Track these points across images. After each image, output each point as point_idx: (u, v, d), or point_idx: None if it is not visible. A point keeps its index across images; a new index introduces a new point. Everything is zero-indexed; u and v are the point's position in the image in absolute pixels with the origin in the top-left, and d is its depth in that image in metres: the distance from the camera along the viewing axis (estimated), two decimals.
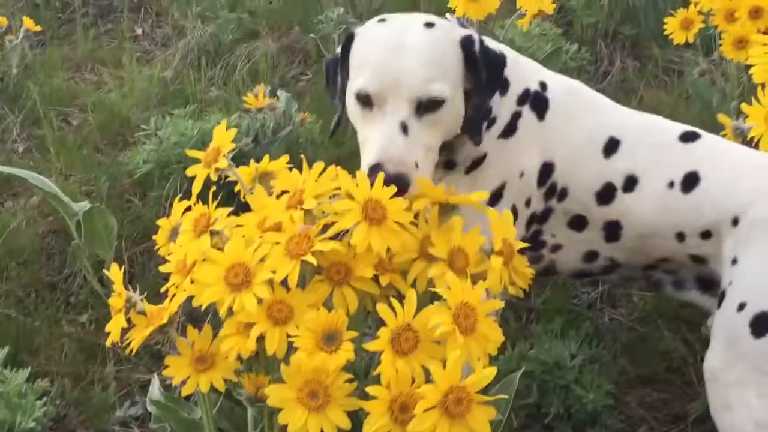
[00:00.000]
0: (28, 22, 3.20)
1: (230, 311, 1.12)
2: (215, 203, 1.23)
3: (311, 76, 3.28)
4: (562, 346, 1.72)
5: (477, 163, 1.50)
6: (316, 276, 1.15)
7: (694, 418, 1.73)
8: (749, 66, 2.34)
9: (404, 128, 1.31)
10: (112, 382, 1.89)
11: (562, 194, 1.54)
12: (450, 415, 1.00)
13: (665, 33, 2.45)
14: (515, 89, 1.52)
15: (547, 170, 1.53)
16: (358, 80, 1.37)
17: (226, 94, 3.10)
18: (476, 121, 1.41)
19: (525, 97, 1.53)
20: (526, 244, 1.28)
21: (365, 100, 1.35)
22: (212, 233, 1.20)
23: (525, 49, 2.76)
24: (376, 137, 1.31)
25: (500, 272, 1.18)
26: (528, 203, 1.53)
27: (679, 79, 3.08)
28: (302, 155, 1.29)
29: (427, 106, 1.33)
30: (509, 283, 1.22)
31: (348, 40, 1.43)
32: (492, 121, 1.49)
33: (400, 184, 1.22)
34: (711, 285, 1.53)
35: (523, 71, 1.56)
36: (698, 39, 2.40)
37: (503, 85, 1.50)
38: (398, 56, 1.34)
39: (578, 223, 1.55)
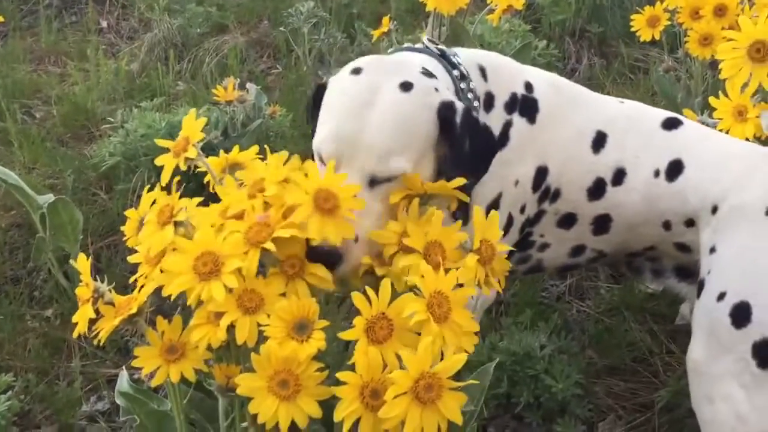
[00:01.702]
0: None
1: (200, 301, 1.11)
2: (178, 194, 1.21)
3: (281, 70, 3.26)
4: (532, 337, 1.73)
5: None
6: (271, 269, 1.14)
7: (661, 407, 1.76)
8: (714, 63, 2.41)
9: None
10: (78, 377, 1.86)
11: (555, 195, 1.51)
12: (421, 401, 1.00)
13: (632, 30, 2.48)
14: (501, 98, 1.46)
15: (541, 174, 1.49)
16: (317, 136, 1.27)
17: (194, 88, 3.07)
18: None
19: (513, 104, 1.47)
20: (510, 248, 1.26)
21: (321, 159, 1.26)
22: (176, 224, 1.18)
23: (494, 45, 2.78)
24: None
25: (474, 271, 1.17)
26: (523, 209, 1.49)
27: (645, 76, 3.13)
28: (268, 147, 1.26)
29: (382, 179, 1.23)
30: (483, 283, 1.22)
31: (318, 91, 1.33)
32: None
33: (331, 259, 1.14)
34: (689, 274, 1.52)
35: (505, 75, 1.49)
36: (663, 37, 2.43)
37: (489, 104, 1.44)
38: (360, 121, 1.23)
39: (567, 221, 1.53)
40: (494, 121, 1.45)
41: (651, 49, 3.26)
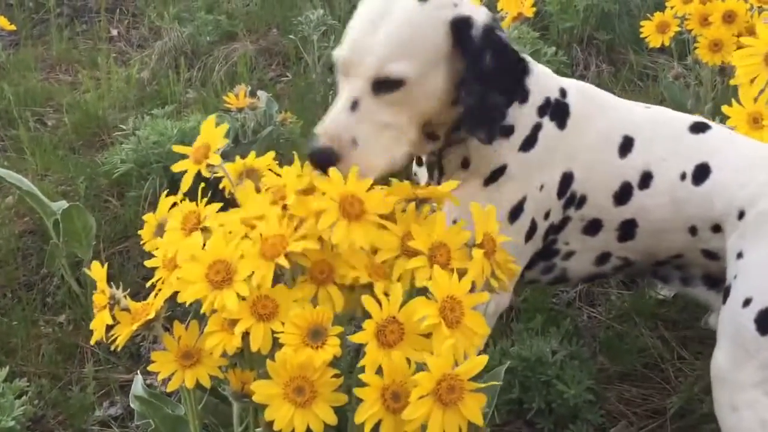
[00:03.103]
0: (2, 21, 3.15)
1: (214, 308, 1.12)
2: (205, 200, 1.23)
3: (290, 78, 3.28)
4: (543, 343, 1.73)
5: (496, 175, 1.44)
6: (300, 276, 1.15)
7: (673, 413, 1.75)
8: (723, 69, 2.41)
9: (354, 105, 1.26)
10: (91, 382, 1.86)
11: (581, 202, 1.49)
12: (443, 403, 1.00)
13: (641, 36, 2.48)
14: (536, 99, 1.45)
15: (567, 180, 1.48)
16: (337, 48, 1.33)
17: (204, 95, 3.09)
18: (475, 115, 1.30)
19: (546, 107, 1.46)
20: (508, 238, 1.25)
21: (339, 70, 1.32)
22: (203, 230, 1.19)
23: None
24: (330, 110, 1.28)
25: (481, 264, 1.18)
26: (547, 215, 1.48)
27: (653, 83, 3.14)
28: (278, 154, 1.27)
29: (385, 85, 1.27)
30: (491, 277, 1.22)
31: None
32: (509, 131, 1.42)
33: (323, 158, 1.20)
34: (718, 282, 1.50)
35: (544, 80, 1.48)
36: (673, 44, 2.44)
37: (522, 93, 1.42)
38: (372, 29, 1.28)
39: (593, 227, 1.51)
40: (525, 119, 1.44)
41: (659, 56, 3.26)
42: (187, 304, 1.13)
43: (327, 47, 3.18)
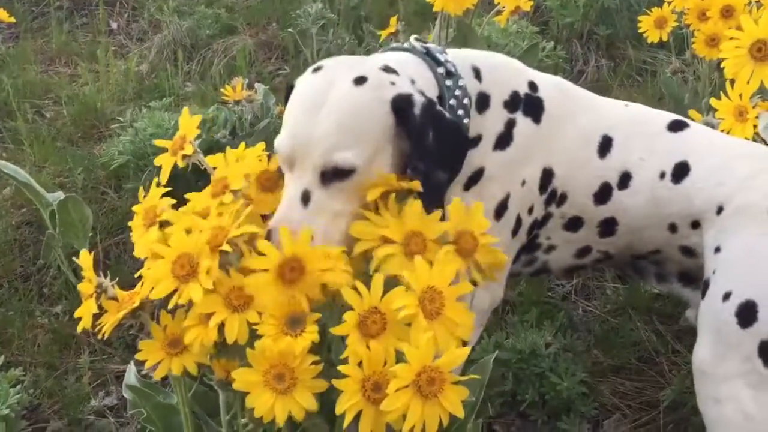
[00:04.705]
0: (2, 14, 3.15)
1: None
2: (161, 192, 1.22)
3: (289, 72, 3.27)
4: (538, 335, 1.73)
5: (475, 178, 1.43)
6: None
7: (666, 406, 1.76)
8: (720, 64, 2.41)
9: (305, 197, 1.21)
10: (87, 372, 1.87)
11: (562, 199, 1.50)
12: (423, 395, 1.00)
13: (639, 32, 2.48)
14: (499, 97, 1.44)
15: (547, 176, 1.48)
16: (276, 139, 1.27)
17: (203, 88, 3.09)
18: (426, 192, 1.22)
19: (515, 102, 1.45)
20: (496, 239, 1.25)
21: (282, 161, 1.27)
22: (161, 224, 1.19)
23: (501, 47, 2.79)
24: (280, 204, 1.23)
25: (450, 261, 1.15)
26: (531, 211, 1.49)
27: (652, 78, 3.13)
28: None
29: (334, 175, 1.22)
30: (475, 270, 1.21)
31: (288, 92, 1.33)
32: (475, 140, 1.41)
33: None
34: (693, 279, 1.52)
35: (504, 75, 1.47)
36: (671, 39, 2.44)
37: (483, 104, 1.42)
38: (313, 118, 1.23)
39: (574, 224, 1.53)
40: (493, 120, 1.44)
41: (658, 51, 3.25)
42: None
43: (325, 41, 3.18)
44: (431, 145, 1.24)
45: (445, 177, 1.26)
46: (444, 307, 1.06)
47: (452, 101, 1.36)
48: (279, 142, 1.26)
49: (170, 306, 1.11)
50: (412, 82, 1.31)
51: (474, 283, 1.18)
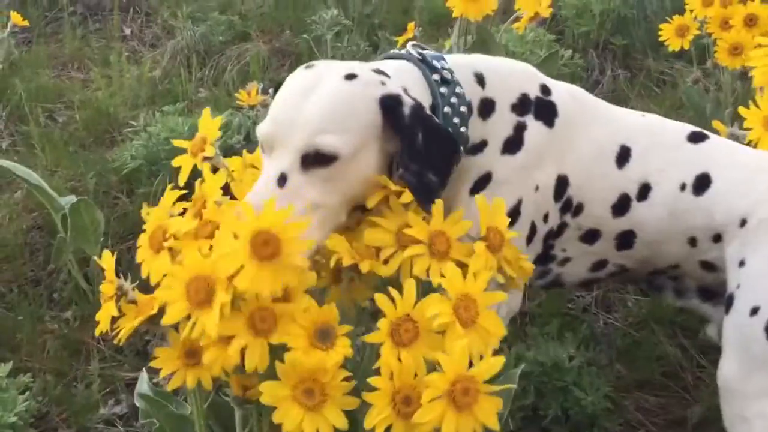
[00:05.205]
0: (15, 18, 3.15)
1: None
2: (175, 196, 1.19)
3: None
4: (560, 348, 1.69)
5: (482, 183, 1.39)
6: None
7: (694, 423, 1.71)
8: (744, 74, 2.37)
9: (281, 179, 1.16)
10: (96, 379, 1.84)
11: (578, 209, 1.46)
12: (457, 406, 0.96)
13: (657, 43, 2.45)
14: (505, 102, 1.40)
15: (562, 184, 1.44)
16: (259, 124, 1.24)
17: (216, 93, 3.07)
18: (417, 192, 1.18)
19: (524, 105, 1.41)
20: (517, 233, 1.22)
21: (263, 147, 1.22)
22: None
23: (519, 55, 2.76)
24: (254, 185, 1.18)
25: (485, 258, 1.13)
26: (546, 218, 1.44)
27: (671, 89, 3.10)
28: None
29: (315, 160, 1.17)
30: (499, 273, 1.18)
31: (276, 89, 1.30)
32: (480, 146, 1.38)
33: None
34: (713, 295, 1.49)
35: (511, 79, 1.44)
36: (692, 48, 2.40)
37: (487, 110, 1.38)
38: (299, 103, 1.20)
39: (591, 236, 1.48)
40: (499, 125, 1.39)
41: (676, 62, 3.22)
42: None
43: (340, 47, 3.16)
44: (420, 146, 1.21)
45: (436, 182, 1.21)
46: (478, 315, 1.02)
47: (446, 109, 1.32)
48: (260, 126, 1.22)
49: (183, 335, 1.04)
50: (405, 90, 1.27)
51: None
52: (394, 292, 1.03)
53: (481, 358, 1.02)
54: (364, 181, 1.20)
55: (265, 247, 0.98)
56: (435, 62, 1.36)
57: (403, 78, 1.31)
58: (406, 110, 1.22)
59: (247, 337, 1.01)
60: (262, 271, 0.98)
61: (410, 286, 1.04)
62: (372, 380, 1.00)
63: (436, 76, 1.34)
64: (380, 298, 1.03)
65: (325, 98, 1.20)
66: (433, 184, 1.20)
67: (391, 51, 1.49)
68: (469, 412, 0.96)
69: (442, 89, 1.34)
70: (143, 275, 1.16)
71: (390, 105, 1.21)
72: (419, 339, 1.03)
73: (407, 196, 1.16)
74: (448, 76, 1.35)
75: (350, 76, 1.22)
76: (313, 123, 1.18)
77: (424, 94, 1.32)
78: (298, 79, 1.25)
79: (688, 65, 2.97)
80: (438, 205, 1.14)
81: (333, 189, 1.18)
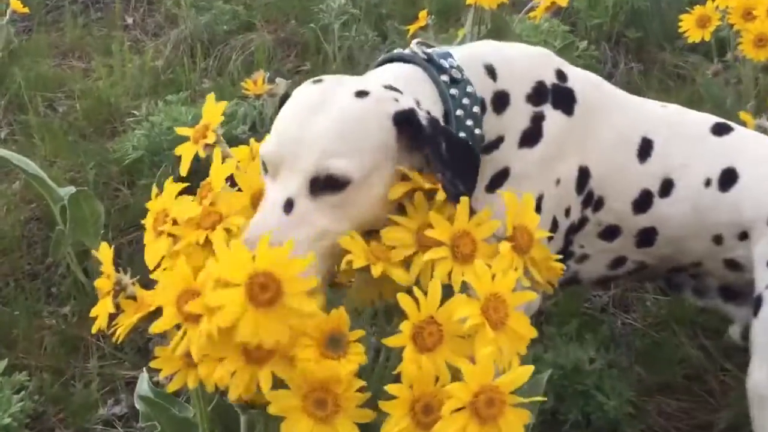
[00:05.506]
0: (15, 4, 3.08)
1: None
2: (177, 189, 1.13)
3: (309, 68, 3.18)
4: (580, 350, 1.62)
5: (499, 179, 1.32)
6: None
7: (721, 429, 1.64)
8: (766, 67, 2.30)
9: (288, 206, 1.07)
10: (95, 378, 1.78)
11: (598, 204, 1.40)
12: (480, 418, 0.89)
13: (679, 32, 2.38)
14: (520, 92, 1.32)
15: (584, 175, 1.37)
16: (263, 143, 1.16)
17: (221, 82, 3.00)
18: (455, 199, 1.10)
19: (541, 94, 1.33)
20: (548, 233, 1.17)
21: (265, 168, 1.14)
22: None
23: (533, 45, 2.69)
24: (257, 212, 1.10)
25: (510, 259, 1.06)
26: (568, 212, 1.38)
27: (684, 83, 3.03)
28: None
29: (325, 185, 1.08)
30: (525, 276, 1.11)
31: (281, 102, 1.22)
32: (497, 142, 1.31)
33: None
34: (737, 295, 1.44)
35: (525, 66, 1.35)
36: (713, 39, 2.33)
37: (501, 103, 1.31)
38: (307, 122, 1.11)
39: (610, 233, 1.42)
40: (515, 117, 1.32)
41: (690, 55, 3.15)
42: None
43: (348, 38, 3.08)
44: (447, 154, 1.12)
45: (464, 188, 1.13)
46: (508, 317, 0.95)
47: (459, 112, 1.24)
48: (264, 145, 1.13)
49: (172, 348, 0.97)
50: (417, 103, 1.19)
51: None
52: (418, 292, 0.96)
53: (510, 365, 0.95)
54: (375, 205, 1.12)
55: (264, 291, 0.89)
56: (442, 61, 1.28)
57: (412, 88, 1.23)
58: (425, 122, 1.14)
59: (236, 363, 0.92)
60: (263, 318, 0.89)
61: (435, 286, 0.97)
62: (390, 388, 0.92)
63: (444, 77, 1.26)
64: (403, 299, 0.96)
65: (336, 117, 1.11)
66: (463, 191, 1.11)
67: (394, 51, 1.39)
68: (494, 424, 0.90)
69: (453, 90, 1.26)
70: (146, 258, 1.11)
71: (408, 118, 1.13)
72: (443, 343, 0.96)
73: (442, 194, 1.08)
74: (458, 75, 1.27)
75: (361, 93, 1.14)
76: (324, 144, 1.09)
77: (435, 101, 1.25)
78: (305, 95, 1.16)
79: (703, 58, 2.90)
80: (464, 202, 1.07)
81: (343, 216, 1.09)
